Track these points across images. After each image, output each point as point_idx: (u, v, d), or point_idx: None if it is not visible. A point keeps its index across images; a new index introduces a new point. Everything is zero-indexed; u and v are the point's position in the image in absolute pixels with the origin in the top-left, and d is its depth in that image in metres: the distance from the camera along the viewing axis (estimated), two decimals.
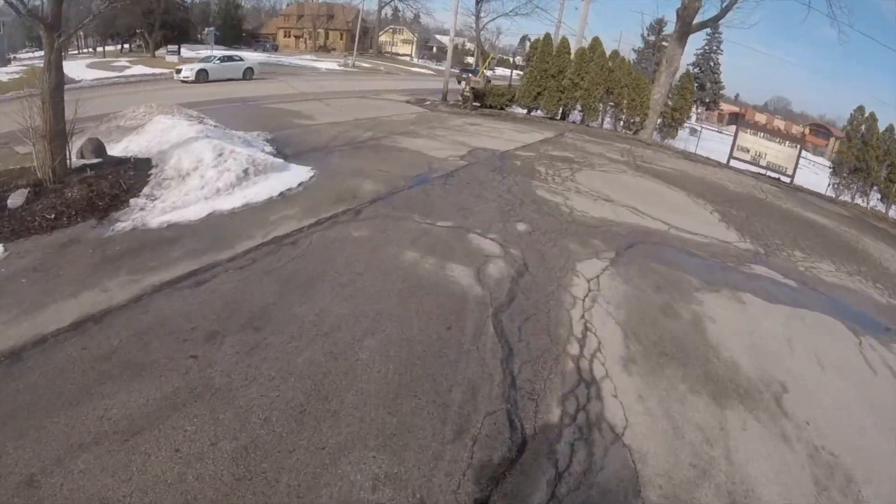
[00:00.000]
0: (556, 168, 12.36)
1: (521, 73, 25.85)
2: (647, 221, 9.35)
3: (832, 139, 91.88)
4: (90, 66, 31.50)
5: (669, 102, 21.93)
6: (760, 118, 55.72)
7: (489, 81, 23.67)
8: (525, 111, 22.78)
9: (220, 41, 73.84)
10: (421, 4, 74.05)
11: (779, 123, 53.27)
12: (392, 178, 9.51)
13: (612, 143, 18.40)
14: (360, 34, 62.59)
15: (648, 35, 54.65)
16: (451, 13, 22.58)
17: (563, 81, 21.60)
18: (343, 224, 7.08)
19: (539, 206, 9.08)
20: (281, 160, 9.28)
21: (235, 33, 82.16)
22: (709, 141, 24.99)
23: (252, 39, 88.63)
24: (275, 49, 78.69)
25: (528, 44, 31.74)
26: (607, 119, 22.32)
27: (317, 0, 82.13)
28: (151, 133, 9.35)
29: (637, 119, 21.66)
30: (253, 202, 7.47)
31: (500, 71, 46.64)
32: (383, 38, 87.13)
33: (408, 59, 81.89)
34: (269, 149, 10.29)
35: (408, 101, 22.82)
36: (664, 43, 43.73)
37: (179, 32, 61.91)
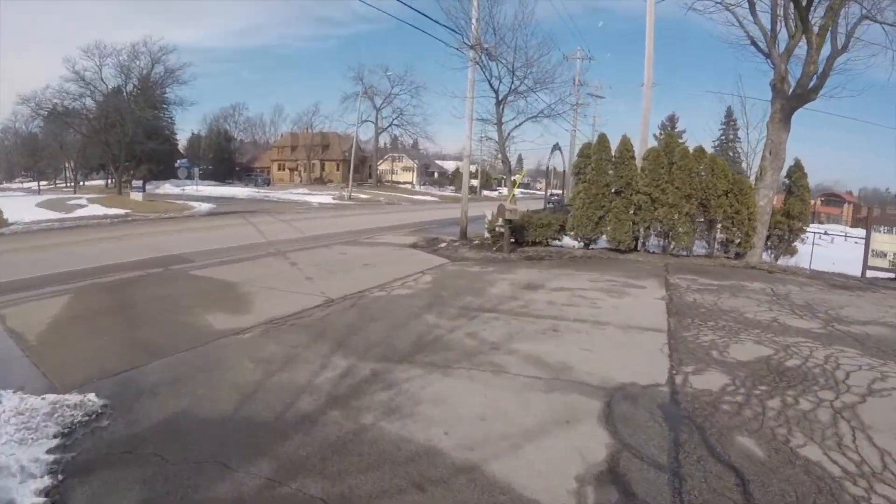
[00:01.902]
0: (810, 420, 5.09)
1: (561, 191, 19.57)
2: None
3: (845, 205, 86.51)
4: (41, 204, 27.35)
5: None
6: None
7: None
8: (580, 244, 16.14)
9: (212, 175, 71.04)
10: (420, 129, 71.45)
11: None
12: None
13: (741, 283, 11.92)
14: (357, 163, 59.19)
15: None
16: (465, 124, 15.91)
17: (635, 197, 15.09)
18: None
19: None
20: None
21: (228, 167, 79.72)
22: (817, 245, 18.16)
23: (244, 173, 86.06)
24: (267, 183, 75.49)
25: (560, 152, 26.21)
26: (697, 241, 15.58)
27: (311, 130, 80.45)
28: None
29: (740, 237, 14.84)
30: None
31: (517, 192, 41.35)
32: (382, 166, 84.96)
33: (409, 186, 78.77)
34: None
35: (414, 245, 16.37)
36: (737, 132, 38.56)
37: (166, 166, 58.13)
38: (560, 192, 35.91)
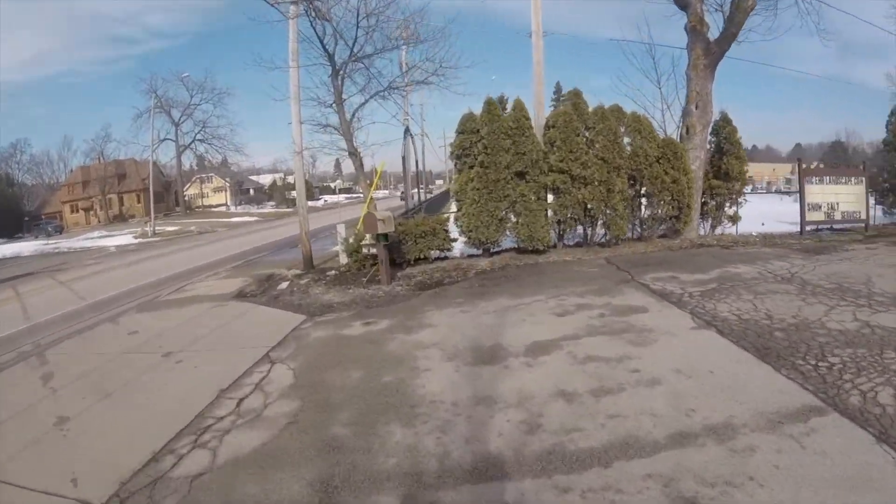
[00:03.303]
0: None
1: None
2: None
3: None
4: None
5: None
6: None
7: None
8: (478, 251, 11.67)
9: None
10: (227, 142, 62.05)
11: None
12: None
13: (727, 271, 8.66)
14: (160, 191, 49.05)
15: None
16: (291, 107, 9.73)
17: (547, 178, 10.96)
18: None
19: None
20: None
21: (15, 218, 61.94)
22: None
23: (33, 223, 68.52)
24: (59, 231, 60.49)
25: (411, 139, 21.41)
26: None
27: (104, 159, 66.30)
28: None
29: (677, 211, 11.55)
30: None
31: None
32: (191, 190, 73.54)
33: (223, 208, 68.61)
34: None
35: (243, 294, 10.49)
36: None
37: None
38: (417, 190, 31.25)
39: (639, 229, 12.29)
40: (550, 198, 11.63)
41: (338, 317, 8.07)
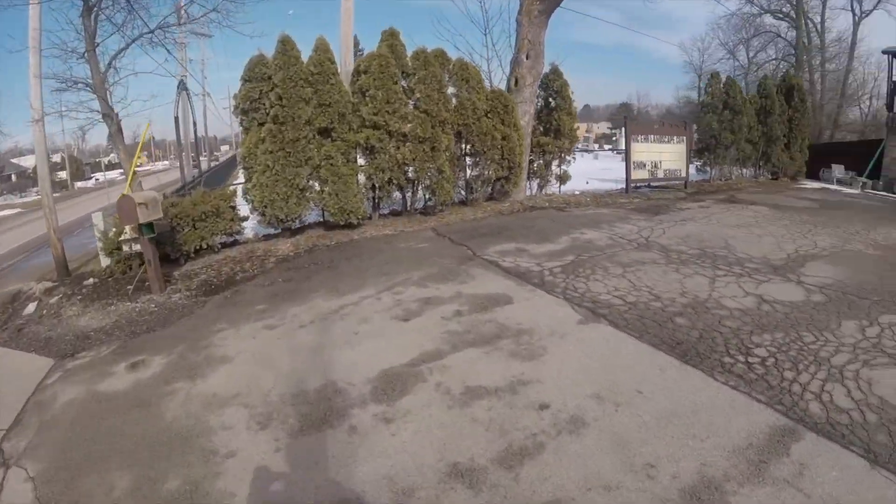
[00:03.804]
0: None
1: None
2: None
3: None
4: None
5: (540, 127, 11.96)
6: None
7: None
8: (276, 230, 9.10)
9: None
10: None
11: None
12: None
13: (577, 237, 7.80)
14: None
15: None
16: (29, 59, 5.50)
17: (359, 135, 8.84)
18: None
19: None
20: None
21: None
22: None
23: None
24: None
25: (187, 94, 16.89)
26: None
27: None
28: None
29: (507, 171, 10.55)
30: None
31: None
32: None
33: None
34: None
35: None
36: None
37: None
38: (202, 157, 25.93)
39: (463, 192, 10.83)
40: (362, 160, 9.45)
41: (95, 357, 4.96)
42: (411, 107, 9.38)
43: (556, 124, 11.68)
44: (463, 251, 7.59)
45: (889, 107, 15.32)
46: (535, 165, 11.87)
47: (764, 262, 6.59)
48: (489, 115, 10.09)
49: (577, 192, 12.54)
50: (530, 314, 5.05)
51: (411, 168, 9.46)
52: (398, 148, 9.17)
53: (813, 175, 16.03)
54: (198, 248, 8.10)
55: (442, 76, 9.61)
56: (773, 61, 29.21)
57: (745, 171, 15.50)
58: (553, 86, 11.74)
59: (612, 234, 8.26)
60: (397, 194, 10.15)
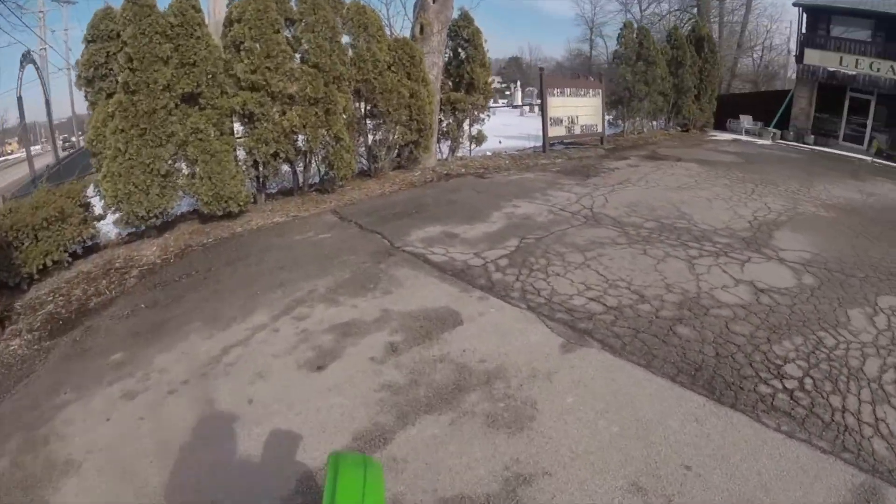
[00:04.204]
0: None
1: None
2: None
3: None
4: None
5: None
6: None
7: None
8: (139, 228, 7.05)
9: None
10: None
11: None
12: None
13: (512, 213, 6.68)
14: None
15: None
16: None
17: (234, 101, 6.96)
18: None
19: None
20: None
21: None
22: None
23: None
24: None
25: (35, 68, 13.18)
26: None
27: None
28: None
29: (416, 135, 9.14)
30: None
31: None
32: None
33: None
34: None
35: None
36: None
37: None
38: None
39: (365, 161, 9.20)
40: (240, 129, 7.52)
41: None
42: (298, 61, 7.52)
43: (469, 78, 10.22)
44: (377, 241, 6.11)
45: (798, 58, 15.49)
46: (446, 125, 10.38)
47: (731, 235, 5.84)
48: (393, 68, 8.44)
49: (489, 153, 11.35)
50: (493, 341, 3.76)
51: (302, 137, 7.67)
52: (284, 113, 7.33)
53: (720, 126, 16.08)
54: (41, 266, 5.88)
55: (335, 22, 7.77)
56: (677, 12, 29.54)
57: (655, 123, 15.16)
58: (463, 34, 10.20)
59: (551, 206, 7.17)
60: (286, 169, 8.32)
